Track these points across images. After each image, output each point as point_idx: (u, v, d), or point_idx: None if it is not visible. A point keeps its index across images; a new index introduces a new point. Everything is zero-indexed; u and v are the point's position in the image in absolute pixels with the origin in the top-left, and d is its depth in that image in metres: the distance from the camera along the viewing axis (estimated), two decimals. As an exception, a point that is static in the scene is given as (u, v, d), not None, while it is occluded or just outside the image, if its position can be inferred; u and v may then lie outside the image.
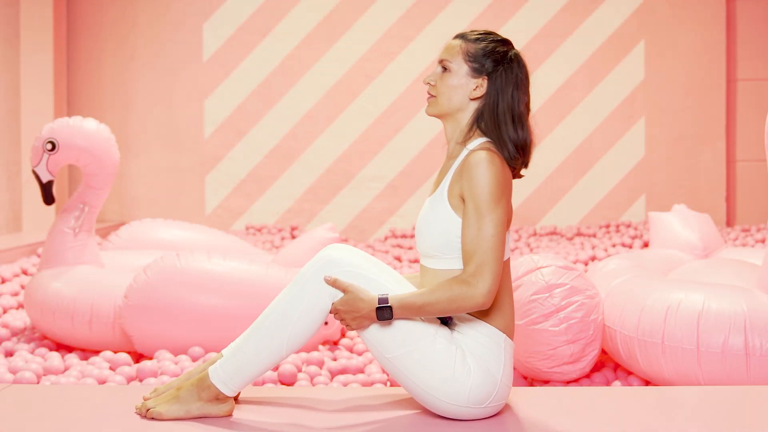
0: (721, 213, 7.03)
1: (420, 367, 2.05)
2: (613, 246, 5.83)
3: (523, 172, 2.18)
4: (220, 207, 7.13)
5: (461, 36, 2.16)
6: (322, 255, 2.11)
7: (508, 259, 2.15)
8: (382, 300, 2.02)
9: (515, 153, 2.10)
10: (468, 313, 2.10)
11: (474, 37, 2.14)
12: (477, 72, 2.11)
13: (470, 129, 2.14)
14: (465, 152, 2.10)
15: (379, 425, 2.07)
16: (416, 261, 5.63)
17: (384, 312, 2.02)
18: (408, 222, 7.05)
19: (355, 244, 6.42)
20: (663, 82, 7.05)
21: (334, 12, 7.08)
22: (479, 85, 2.11)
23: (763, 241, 5.85)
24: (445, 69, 2.14)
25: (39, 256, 5.15)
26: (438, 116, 2.17)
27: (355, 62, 7.08)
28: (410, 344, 2.04)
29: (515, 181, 2.17)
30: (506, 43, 2.16)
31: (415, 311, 2.02)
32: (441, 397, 2.06)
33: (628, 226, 6.67)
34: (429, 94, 2.17)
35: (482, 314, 2.10)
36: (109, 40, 7.16)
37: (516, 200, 6.78)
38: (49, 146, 3.39)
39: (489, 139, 2.11)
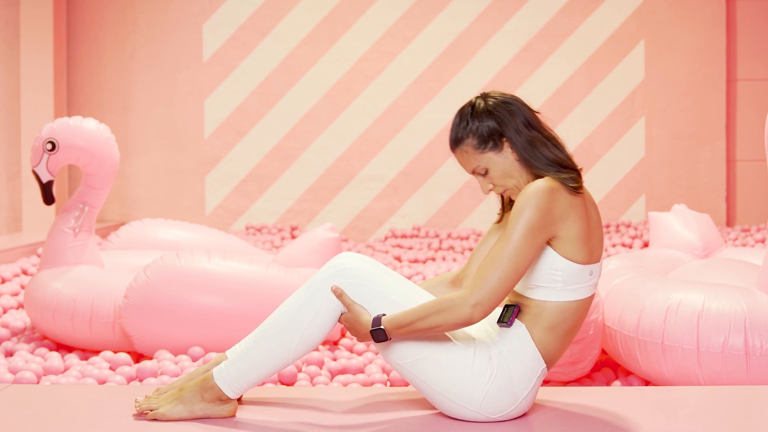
0: (721, 213, 7.03)
1: (436, 367, 2.04)
2: (613, 246, 5.83)
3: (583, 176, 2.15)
4: (220, 207, 7.13)
5: (454, 143, 2.15)
6: (334, 263, 2.10)
7: (591, 296, 2.13)
8: (375, 322, 2.03)
9: (562, 170, 2.08)
10: (525, 332, 2.08)
11: (461, 134, 2.13)
12: (496, 145, 2.11)
13: (527, 175, 2.12)
14: None
15: (381, 426, 2.07)
16: (416, 261, 5.62)
17: (378, 334, 2.02)
18: (408, 222, 7.04)
19: (356, 244, 6.41)
20: (663, 82, 7.05)
21: (334, 12, 7.07)
22: (506, 148, 2.11)
23: (763, 241, 5.85)
24: (484, 173, 2.14)
25: (39, 256, 5.15)
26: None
27: (355, 62, 7.08)
28: (425, 351, 2.05)
29: None
30: (475, 105, 2.14)
31: (406, 327, 2.01)
32: (453, 397, 2.05)
33: (628, 226, 6.67)
34: (501, 195, 2.19)
35: (537, 338, 2.08)
36: (109, 40, 7.16)
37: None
38: (49, 146, 3.39)
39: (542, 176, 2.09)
